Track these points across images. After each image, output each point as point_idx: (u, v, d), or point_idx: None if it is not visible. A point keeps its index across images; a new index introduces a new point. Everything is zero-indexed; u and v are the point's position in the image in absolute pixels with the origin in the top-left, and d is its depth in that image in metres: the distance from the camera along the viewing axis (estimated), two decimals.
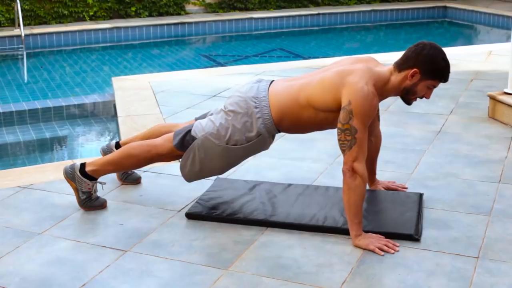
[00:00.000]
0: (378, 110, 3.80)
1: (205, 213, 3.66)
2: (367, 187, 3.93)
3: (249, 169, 4.38)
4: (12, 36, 10.46)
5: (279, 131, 3.65)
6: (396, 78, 3.48)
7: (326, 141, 4.91)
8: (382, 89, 3.47)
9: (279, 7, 13.36)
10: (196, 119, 3.94)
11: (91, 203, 3.75)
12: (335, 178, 4.18)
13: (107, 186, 3.99)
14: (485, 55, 8.35)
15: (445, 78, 3.48)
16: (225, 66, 9.26)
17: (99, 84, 8.30)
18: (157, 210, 3.77)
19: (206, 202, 3.80)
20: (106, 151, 4.12)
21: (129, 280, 3.03)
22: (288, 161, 4.53)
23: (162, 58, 10.34)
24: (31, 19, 11.44)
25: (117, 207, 3.82)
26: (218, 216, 3.63)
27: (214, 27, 12.03)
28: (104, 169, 3.76)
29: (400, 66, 3.47)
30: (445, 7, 13.97)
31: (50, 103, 6.69)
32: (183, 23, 11.79)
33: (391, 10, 13.60)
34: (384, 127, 5.01)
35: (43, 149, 5.98)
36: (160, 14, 12.45)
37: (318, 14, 12.92)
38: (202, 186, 4.00)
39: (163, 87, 6.75)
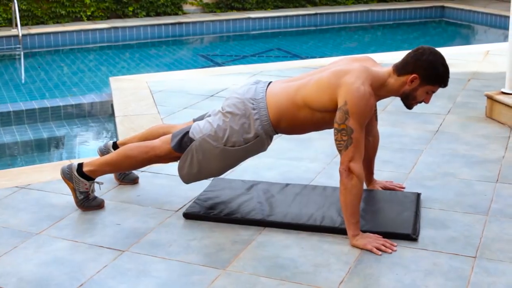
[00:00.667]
0: (375, 109, 3.80)
1: (203, 213, 3.66)
2: (365, 186, 3.94)
3: (247, 169, 4.38)
4: (10, 36, 10.45)
5: (277, 133, 3.65)
6: (395, 82, 3.48)
7: (324, 141, 4.91)
8: (379, 90, 3.47)
9: (276, 7, 13.36)
10: (194, 120, 3.94)
11: (88, 203, 3.75)
12: (332, 178, 4.18)
13: (105, 186, 3.99)
14: (482, 55, 8.36)
15: (444, 83, 3.49)
16: (222, 66, 9.26)
17: (96, 84, 8.30)
18: (155, 210, 3.77)
19: (204, 202, 3.80)
20: (103, 151, 4.12)
21: (126, 280, 3.02)
22: (285, 161, 4.53)
23: (159, 58, 10.34)
24: (29, 19, 11.43)
25: (115, 207, 3.81)
26: (215, 216, 3.63)
27: (212, 27, 12.03)
28: (102, 169, 3.76)
29: (399, 70, 3.47)
30: (442, 7, 13.98)
31: (47, 103, 6.68)
32: (180, 23, 11.79)
33: (389, 10, 13.61)
34: (382, 127, 5.01)
35: (40, 149, 5.98)
36: (158, 14, 12.45)
37: (316, 14, 12.93)
38: (200, 186, 4.00)
39: (160, 87, 6.75)
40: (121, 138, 4.95)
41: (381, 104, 6.00)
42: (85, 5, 11.81)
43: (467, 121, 5.46)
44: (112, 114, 6.14)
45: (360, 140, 3.33)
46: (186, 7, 12.83)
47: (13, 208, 3.80)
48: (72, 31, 10.95)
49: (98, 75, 8.92)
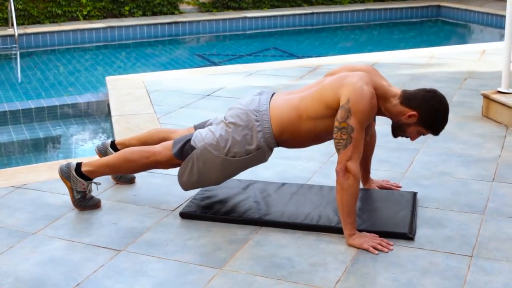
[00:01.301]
0: None
1: (199, 213, 3.66)
2: (361, 186, 3.94)
3: None
4: (6, 36, 10.43)
5: (278, 145, 3.65)
6: (396, 106, 3.47)
7: None
8: (381, 102, 3.46)
9: (273, 6, 13.36)
10: (195, 126, 3.94)
11: (85, 202, 3.75)
12: (329, 177, 4.18)
13: (101, 186, 3.99)
14: (478, 54, 8.37)
15: (437, 132, 3.53)
16: (219, 65, 9.26)
17: (93, 84, 8.29)
18: (151, 210, 3.77)
19: (200, 201, 3.80)
20: (101, 149, 4.11)
21: (123, 280, 3.02)
22: (282, 160, 4.53)
23: (156, 57, 10.33)
24: (25, 18, 11.41)
25: (111, 207, 3.81)
26: (212, 216, 3.63)
27: (208, 26, 12.03)
28: (100, 171, 3.76)
29: (404, 100, 3.46)
30: (438, 6, 13.99)
31: (43, 102, 6.67)
32: (177, 23, 11.78)
33: (385, 9, 13.62)
34: (378, 126, 5.00)
35: (36, 149, 5.97)
36: (154, 14, 12.44)
37: (312, 13, 12.93)
38: None
39: (157, 87, 6.75)
40: (117, 137, 4.95)
41: None
42: (81, 4, 11.80)
43: (464, 120, 5.46)
44: (109, 114, 6.13)
45: (359, 140, 3.33)
46: (183, 7, 12.82)
47: (9, 208, 3.80)
48: (69, 31, 10.94)
49: (94, 75, 8.91)
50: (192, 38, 11.90)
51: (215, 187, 3.96)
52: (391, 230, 3.43)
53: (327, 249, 3.29)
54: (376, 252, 3.24)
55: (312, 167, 4.43)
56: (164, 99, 6.27)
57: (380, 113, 3.53)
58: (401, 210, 3.64)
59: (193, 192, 3.94)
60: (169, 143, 3.71)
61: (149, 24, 11.56)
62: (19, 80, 8.67)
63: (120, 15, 12.17)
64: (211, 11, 12.84)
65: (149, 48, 11.01)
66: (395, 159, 4.54)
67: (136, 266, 3.14)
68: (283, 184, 4.04)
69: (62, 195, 3.95)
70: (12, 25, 10.41)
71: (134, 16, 12.21)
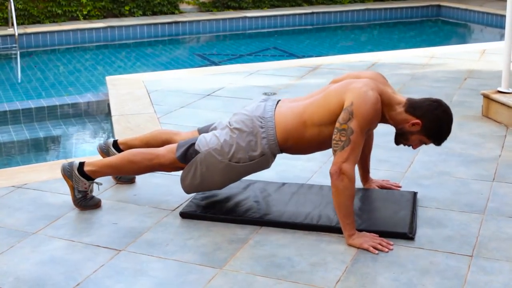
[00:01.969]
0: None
1: (199, 212, 3.66)
2: (361, 185, 3.95)
3: None
4: (6, 36, 10.43)
5: (282, 152, 3.65)
6: (400, 114, 3.47)
7: None
8: (386, 109, 3.46)
9: (273, 6, 13.36)
10: (199, 129, 3.94)
11: (85, 202, 3.75)
12: (329, 177, 4.17)
13: (102, 186, 3.99)
14: (478, 53, 8.37)
15: (439, 142, 3.53)
16: (219, 65, 9.26)
17: (93, 84, 8.29)
18: (152, 210, 3.77)
19: (200, 201, 3.80)
20: (103, 148, 4.11)
21: (123, 280, 3.02)
22: (282, 160, 4.53)
23: (156, 57, 10.33)
24: (25, 18, 11.41)
25: (112, 207, 3.81)
26: (212, 215, 3.63)
27: (208, 26, 12.03)
28: (103, 171, 3.76)
29: (409, 108, 3.45)
30: (438, 6, 13.99)
31: (44, 102, 6.67)
32: (177, 22, 11.78)
33: (385, 9, 13.62)
34: (378, 126, 5.01)
35: (37, 149, 5.97)
36: (154, 13, 12.44)
37: (312, 13, 12.93)
38: None
39: (157, 86, 6.75)
40: (117, 137, 4.94)
41: None
42: (82, 4, 11.79)
43: (464, 120, 5.46)
44: (109, 114, 6.13)
45: (358, 144, 3.32)
46: (183, 6, 12.82)
47: (9, 208, 3.80)
48: (69, 30, 10.94)
49: (94, 75, 8.91)
50: (192, 38, 11.90)
51: None
52: (391, 230, 3.43)
53: (327, 249, 3.29)
54: (376, 252, 3.24)
55: (312, 167, 4.43)
56: (164, 99, 6.27)
57: (384, 120, 3.53)
58: (401, 210, 3.64)
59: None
60: (173, 146, 3.71)
61: (149, 24, 11.56)
62: (19, 80, 8.67)
63: (120, 14, 12.17)
64: (211, 11, 12.84)
65: (149, 48, 11.01)
66: (395, 159, 4.54)
67: (136, 266, 3.14)
68: (283, 183, 4.04)
69: (62, 195, 3.95)
70: (12, 24, 10.41)
71: (134, 16, 12.21)
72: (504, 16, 5.62)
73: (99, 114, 6.64)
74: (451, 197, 3.90)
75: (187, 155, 3.64)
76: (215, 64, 9.54)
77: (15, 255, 3.25)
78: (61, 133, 6.23)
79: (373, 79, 3.51)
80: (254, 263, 3.16)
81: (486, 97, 5.54)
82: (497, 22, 12.27)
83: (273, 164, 4.39)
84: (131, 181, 4.15)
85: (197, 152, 3.62)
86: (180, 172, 3.75)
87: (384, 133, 5.03)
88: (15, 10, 10.89)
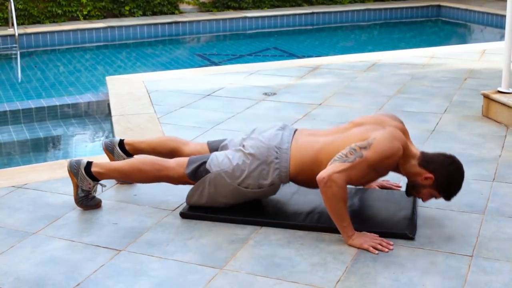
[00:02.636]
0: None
1: (200, 212, 3.65)
2: (361, 186, 3.94)
3: None
4: (6, 36, 10.43)
5: (290, 182, 3.66)
6: (413, 167, 3.48)
7: None
8: (400, 162, 3.47)
9: (273, 6, 13.36)
10: (208, 143, 3.95)
11: (87, 202, 3.75)
12: None
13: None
14: (478, 54, 8.37)
15: (449, 198, 3.53)
16: (219, 65, 9.26)
17: (93, 84, 8.29)
18: (152, 210, 3.77)
19: None
20: (108, 146, 4.10)
21: (123, 280, 3.02)
22: None
23: (156, 57, 10.33)
24: (25, 18, 11.41)
25: (112, 207, 3.81)
26: (212, 215, 3.62)
27: (208, 26, 12.03)
28: (110, 174, 3.76)
29: (422, 162, 3.47)
30: (439, 6, 13.99)
31: (44, 102, 6.67)
32: (177, 22, 11.78)
33: (385, 9, 13.61)
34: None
35: (37, 149, 5.97)
36: (154, 13, 12.44)
37: (312, 13, 12.93)
38: None
39: (157, 87, 6.75)
40: (117, 136, 4.94)
41: (377, 104, 6.01)
42: (82, 4, 11.79)
43: (464, 120, 5.46)
44: (109, 114, 6.13)
45: (359, 169, 3.31)
46: (183, 6, 12.82)
47: (9, 208, 3.80)
48: (69, 31, 10.94)
49: (94, 75, 8.91)
50: (192, 38, 11.90)
51: None
52: (391, 230, 3.43)
53: (328, 249, 3.29)
54: (376, 252, 3.24)
55: None
56: (164, 99, 6.27)
57: (397, 170, 3.55)
58: (402, 210, 3.64)
59: None
60: (183, 160, 3.71)
61: (149, 24, 11.56)
62: (19, 80, 8.67)
63: (120, 15, 12.17)
64: (211, 11, 12.84)
65: (149, 48, 11.01)
66: None
67: (136, 266, 3.14)
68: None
69: (62, 195, 3.95)
70: (12, 25, 10.41)
71: (134, 16, 12.21)
72: (504, 16, 5.62)
73: (99, 114, 6.64)
74: None
75: (197, 173, 3.64)
76: (215, 64, 9.54)
77: (15, 255, 3.25)
78: (61, 133, 6.23)
79: (401, 131, 3.53)
80: (255, 263, 3.16)
81: (486, 97, 5.54)
82: (497, 22, 12.27)
83: None
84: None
85: (207, 171, 3.62)
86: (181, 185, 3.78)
87: None
88: (15, 10, 10.89)
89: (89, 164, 3.74)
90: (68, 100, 6.81)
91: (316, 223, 3.50)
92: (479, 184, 4.09)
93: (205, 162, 3.64)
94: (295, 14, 12.73)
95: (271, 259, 3.20)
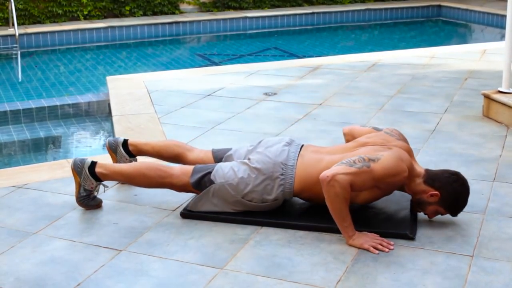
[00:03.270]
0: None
1: (200, 212, 3.65)
2: None
3: None
4: (6, 36, 10.43)
5: (293, 197, 3.67)
6: (419, 185, 3.50)
7: (321, 140, 4.92)
8: (405, 181, 3.48)
9: (273, 6, 13.36)
10: (213, 151, 3.96)
11: (88, 201, 3.75)
12: None
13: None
14: (479, 54, 8.37)
15: (455, 214, 3.54)
16: (219, 65, 9.26)
17: (93, 84, 8.29)
18: (152, 210, 3.77)
19: None
20: (112, 145, 4.10)
21: (124, 280, 3.02)
22: None
23: (156, 57, 10.33)
24: (25, 18, 11.41)
25: (112, 207, 3.81)
26: (213, 215, 3.62)
27: (209, 26, 12.03)
28: (113, 177, 3.76)
29: (428, 180, 3.49)
30: (439, 6, 13.98)
31: (44, 102, 6.67)
32: (177, 22, 11.78)
33: (386, 9, 13.61)
34: (379, 125, 5.00)
35: (37, 149, 5.97)
36: (155, 13, 12.44)
37: (313, 13, 12.92)
38: None
39: (157, 86, 6.75)
40: (117, 136, 4.94)
41: (378, 104, 6.01)
42: (82, 4, 11.79)
43: (464, 120, 5.46)
44: (109, 114, 6.13)
45: (364, 177, 3.31)
46: (183, 6, 12.82)
47: (10, 208, 3.80)
48: (69, 31, 10.94)
49: (95, 75, 8.91)
50: (193, 38, 11.90)
51: None
52: (391, 230, 3.43)
53: (328, 249, 3.29)
54: (377, 252, 3.24)
55: None
56: (164, 99, 6.27)
57: (401, 189, 3.57)
58: (402, 210, 3.64)
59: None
60: (188, 169, 3.71)
61: (150, 24, 11.56)
62: (20, 80, 8.67)
63: (121, 15, 12.17)
64: (212, 11, 12.84)
65: (149, 48, 11.01)
66: None
67: (136, 266, 3.14)
68: None
69: (63, 195, 3.95)
70: (13, 25, 10.41)
71: (134, 16, 12.21)
72: (505, 16, 5.62)
73: (100, 114, 6.64)
74: None
75: (201, 183, 3.64)
76: (216, 64, 9.54)
77: (16, 255, 3.25)
78: (61, 133, 6.23)
79: (406, 151, 3.55)
80: (255, 263, 3.16)
81: (486, 97, 5.54)
82: (498, 22, 12.27)
83: None
84: None
85: (211, 182, 3.62)
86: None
87: None
88: (16, 10, 10.89)
89: (93, 164, 3.74)
90: (68, 100, 6.81)
91: (316, 223, 3.50)
92: (479, 184, 4.09)
93: (210, 173, 3.64)
94: (295, 14, 12.73)
95: (272, 259, 3.20)
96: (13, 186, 4.11)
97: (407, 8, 13.84)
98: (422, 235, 3.42)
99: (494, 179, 4.19)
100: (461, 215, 3.62)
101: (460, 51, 8.67)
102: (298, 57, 9.92)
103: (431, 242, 3.35)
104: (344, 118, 5.53)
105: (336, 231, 3.42)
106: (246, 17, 12.34)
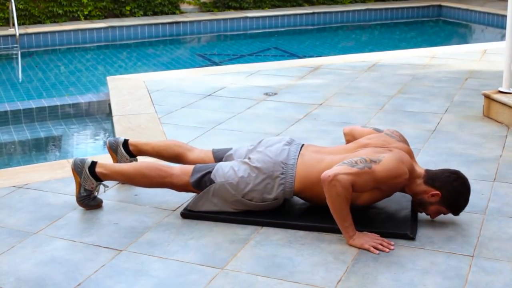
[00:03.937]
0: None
1: (200, 213, 3.65)
2: None
3: None
4: (7, 36, 10.44)
5: (294, 196, 3.67)
6: (419, 186, 3.50)
7: (321, 140, 4.92)
8: (406, 182, 3.49)
9: (274, 6, 13.36)
10: (214, 151, 3.96)
11: (88, 201, 3.75)
12: None
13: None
14: (479, 54, 8.36)
15: (457, 213, 3.54)
16: (220, 65, 9.26)
17: (94, 84, 8.29)
18: (153, 210, 3.77)
19: None
20: (112, 145, 4.10)
21: (124, 280, 3.02)
22: None
23: (157, 57, 10.34)
24: (26, 18, 11.41)
25: (113, 207, 3.81)
26: (213, 215, 3.62)
27: (209, 26, 12.03)
28: (114, 176, 3.76)
29: (428, 180, 3.49)
30: (439, 6, 13.98)
31: (45, 102, 6.68)
32: (178, 22, 11.78)
33: (386, 9, 13.61)
34: (379, 125, 5.01)
35: (38, 149, 5.97)
36: (155, 13, 12.44)
37: (313, 13, 12.92)
38: None
39: (158, 87, 6.75)
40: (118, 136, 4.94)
41: (378, 104, 6.01)
42: (82, 4, 11.80)
43: (465, 120, 5.46)
44: (110, 114, 6.13)
45: (365, 180, 3.31)
46: (183, 6, 12.82)
47: (10, 208, 3.80)
48: (70, 31, 10.94)
49: (95, 75, 8.92)
50: (193, 38, 11.90)
51: None
52: (392, 230, 3.43)
53: (328, 249, 3.29)
54: (377, 252, 3.24)
55: None
56: (165, 99, 6.27)
57: (402, 191, 3.57)
58: (402, 210, 3.64)
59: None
60: (188, 168, 3.71)
61: (150, 24, 11.56)
62: (20, 80, 8.67)
63: (121, 15, 12.17)
64: (212, 11, 12.84)
65: (150, 48, 11.01)
66: None
67: (137, 266, 3.14)
68: None
69: (63, 195, 3.95)
70: (13, 25, 10.41)
71: (135, 16, 12.21)
72: (505, 16, 5.62)
73: (100, 114, 6.64)
74: None
75: (201, 182, 3.65)
76: (216, 64, 9.55)
77: (16, 255, 3.26)
78: (62, 133, 6.23)
79: (406, 152, 3.55)
80: (255, 263, 3.16)
81: (487, 97, 5.54)
82: (498, 22, 12.26)
83: None
84: None
85: (212, 181, 3.62)
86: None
87: None
88: (16, 10, 10.89)
89: (93, 164, 3.75)
90: (69, 100, 6.81)
91: (317, 223, 3.50)
92: (480, 184, 4.09)
93: (210, 172, 3.64)
94: (296, 14, 12.73)
95: (272, 259, 3.20)
96: (14, 186, 4.11)
97: (407, 8, 13.84)
98: (422, 235, 3.42)
99: (495, 179, 4.19)
100: (461, 215, 3.62)
101: (461, 51, 8.67)
102: (299, 57, 9.92)
103: (432, 242, 3.35)
104: (345, 118, 5.53)
105: (336, 231, 3.42)
106: (246, 17, 12.34)
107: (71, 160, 4.26)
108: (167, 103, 6.11)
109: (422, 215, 3.64)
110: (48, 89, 7.89)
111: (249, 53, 10.53)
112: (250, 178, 3.56)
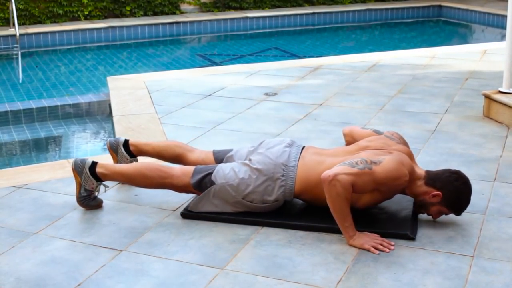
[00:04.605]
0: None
1: (201, 213, 3.65)
2: None
3: None
4: (7, 36, 10.44)
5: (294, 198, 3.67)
6: (420, 187, 3.50)
7: (321, 140, 4.92)
8: (407, 184, 3.49)
9: (274, 6, 13.35)
10: (214, 152, 3.96)
11: (88, 201, 3.75)
12: None
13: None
14: (479, 54, 8.37)
15: (459, 213, 3.53)
16: (220, 65, 9.26)
17: (94, 84, 8.29)
18: (153, 210, 3.77)
19: None
20: (113, 145, 4.10)
21: (124, 280, 3.02)
22: None
23: (157, 57, 10.33)
24: (26, 18, 11.42)
25: (113, 207, 3.81)
26: (213, 216, 3.62)
27: (209, 26, 12.03)
28: (114, 177, 3.76)
29: (428, 180, 3.49)
30: (440, 6, 13.98)
31: (45, 102, 6.68)
32: (178, 23, 11.78)
33: (386, 9, 13.61)
34: (380, 126, 5.01)
35: (38, 149, 5.97)
36: (155, 14, 12.44)
37: (313, 13, 12.92)
38: None
39: (158, 87, 6.75)
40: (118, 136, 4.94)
41: (378, 104, 6.01)
42: (83, 4, 11.80)
43: (465, 120, 5.46)
44: (110, 114, 6.14)
45: (365, 181, 3.31)
46: (184, 7, 12.82)
47: (10, 208, 3.80)
48: (70, 31, 10.94)
49: (95, 75, 8.92)
50: (193, 38, 11.90)
51: None
52: (392, 230, 3.43)
53: (328, 249, 3.29)
54: (377, 252, 3.24)
55: None
56: (165, 99, 6.27)
57: (403, 193, 3.57)
58: (402, 210, 3.64)
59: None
60: (189, 169, 3.71)
61: (150, 24, 11.56)
62: (21, 80, 8.67)
63: (121, 15, 12.17)
64: (212, 11, 12.84)
65: (150, 48, 11.01)
66: None
67: (137, 266, 3.14)
68: None
69: (63, 195, 3.95)
70: (14, 25, 10.41)
71: (135, 16, 12.21)
72: (505, 16, 5.62)
73: (100, 114, 6.64)
74: None
75: (202, 183, 3.65)
76: (216, 64, 9.54)
77: (16, 255, 3.26)
78: (62, 133, 6.23)
79: (406, 154, 3.55)
80: (255, 263, 3.16)
81: (487, 97, 5.54)
82: (498, 22, 12.27)
83: None
84: None
85: (212, 183, 3.62)
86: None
87: None
88: (16, 10, 10.89)
89: (94, 164, 3.75)
90: (69, 100, 6.81)
91: (317, 223, 3.50)
92: (480, 184, 4.09)
93: (210, 173, 3.64)
94: (296, 14, 12.73)
95: (272, 259, 3.20)
96: (14, 186, 4.11)
97: (407, 8, 13.84)
98: (422, 235, 3.42)
99: (495, 179, 4.19)
100: (461, 215, 3.62)
101: (461, 51, 8.67)
102: (299, 57, 9.92)
103: (432, 242, 3.35)
104: (345, 118, 5.53)
105: (336, 231, 3.42)
106: (246, 17, 12.34)
107: (71, 160, 4.25)
108: (167, 103, 6.11)
109: (423, 216, 3.64)
110: (48, 89, 7.89)
111: (249, 53, 10.53)
112: (250, 180, 3.56)
